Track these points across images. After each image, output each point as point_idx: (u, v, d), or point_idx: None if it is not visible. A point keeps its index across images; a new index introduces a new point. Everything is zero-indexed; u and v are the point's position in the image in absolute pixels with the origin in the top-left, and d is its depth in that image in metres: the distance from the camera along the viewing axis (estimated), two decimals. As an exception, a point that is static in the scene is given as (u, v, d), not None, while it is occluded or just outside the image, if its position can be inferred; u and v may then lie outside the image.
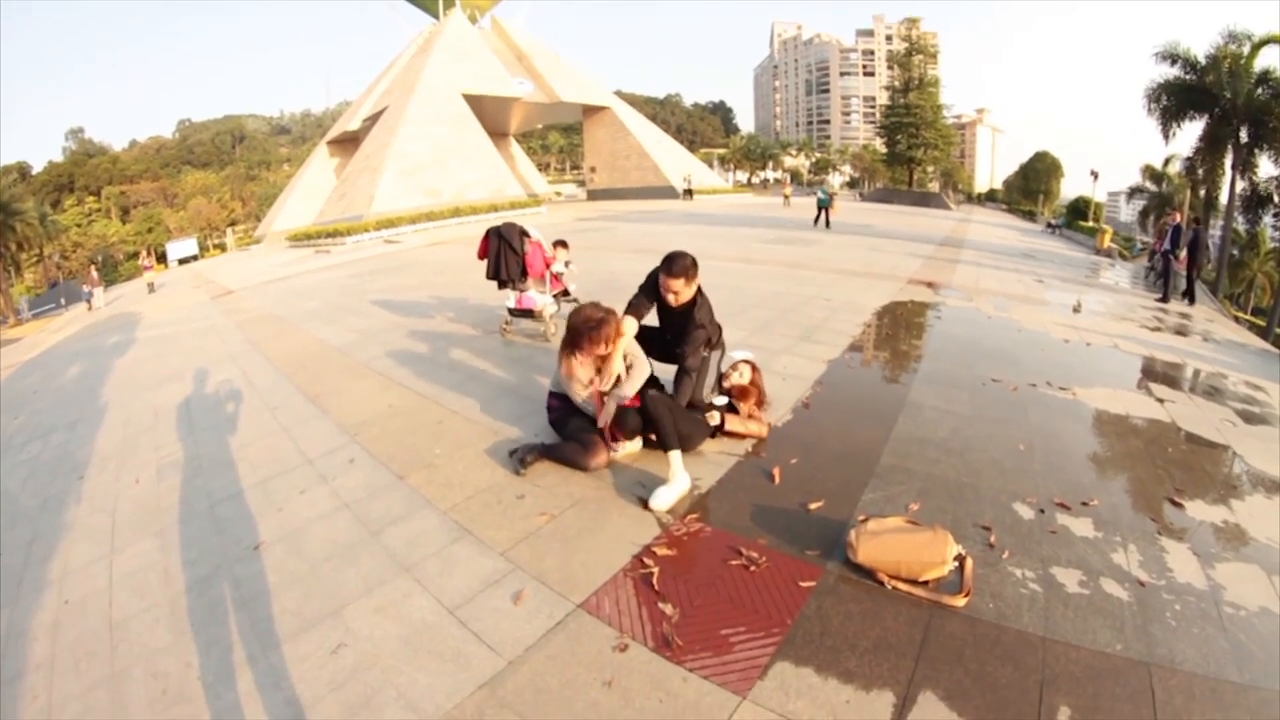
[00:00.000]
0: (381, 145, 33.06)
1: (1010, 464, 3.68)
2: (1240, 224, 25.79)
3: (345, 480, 3.76)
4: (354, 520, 3.29)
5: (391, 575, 2.78)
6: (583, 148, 54.36)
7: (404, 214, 27.79)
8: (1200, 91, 20.67)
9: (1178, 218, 12.73)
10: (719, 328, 4.17)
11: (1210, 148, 21.83)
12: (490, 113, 40.73)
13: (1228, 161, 21.69)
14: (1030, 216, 50.88)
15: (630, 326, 3.84)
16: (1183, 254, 11.64)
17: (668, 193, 39.99)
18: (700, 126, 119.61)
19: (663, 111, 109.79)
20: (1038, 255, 17.59)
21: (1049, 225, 35.90)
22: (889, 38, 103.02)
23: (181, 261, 45.20)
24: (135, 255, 42.62)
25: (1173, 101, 21.37)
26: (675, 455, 3.34)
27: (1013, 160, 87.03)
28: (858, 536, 2.65)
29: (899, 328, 7.20)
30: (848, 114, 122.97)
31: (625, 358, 3.74)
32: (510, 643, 2.32)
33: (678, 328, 4.00)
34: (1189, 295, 11.63)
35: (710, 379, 4.10)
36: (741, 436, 3.93)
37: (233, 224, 71.66)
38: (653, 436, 3.53)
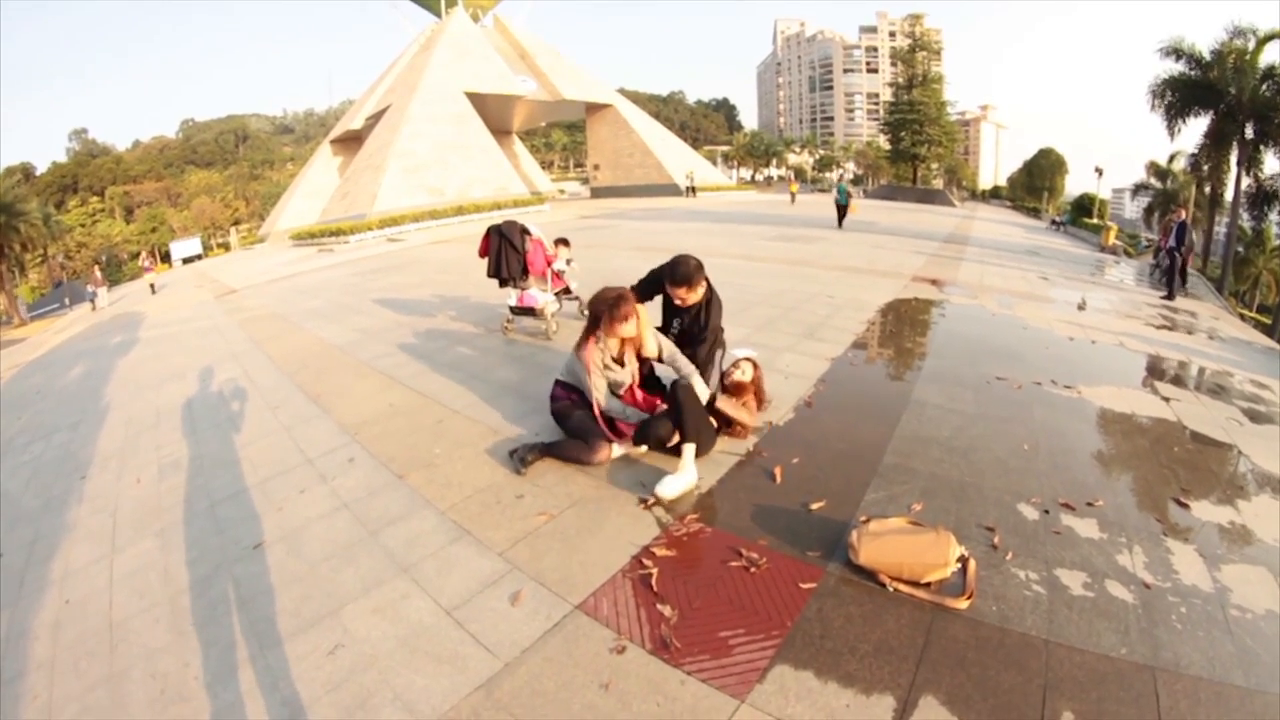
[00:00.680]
0: (384, 144, 33.07)
1: (1015, 463, 3.64)
2: (1246, 221, 25.63)
3: (345, 480, 3.75)
4: (353, 520, 3.29)
5: (390, 576, 2.77)
6: (586, 145, 54.29)
7: (407, 212, 27.80)
8: (1205, 87, 20.55)
9: (1182, 215, 12.65)
10: (720, 328, 4.15)
11: (1215, 144, 21.74)
12: (493, 111, 40.72)
13: (1233, 158, 21.61)
14: (1035, 213, 50.77)
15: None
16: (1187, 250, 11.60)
17: (671, 190, 39.94)
18: (704, 124, 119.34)
19: (666, 109, 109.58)
20: (1042, 252, 17.50)
21: (1053, 222, 35.73)
22: (892, 34, 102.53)
23: (185, 261, 45.44)
24: (139, 255, 42.70)
25: (1177, 98, 21.26)
26: (690, 448, 3.33)
27: (1017, 157, 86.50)
28: (859, 537, 2.63)
29: (903, 325, 7.17)
30: (851, 111, 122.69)
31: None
32: (507, 644, 2.30)
33: (689, 328, 3.98)
34: (1169, 287, 11.55)
35: (714, 378, 4.08)
36: (729, 422, 3.85)
37: (236, 223, 71.97)
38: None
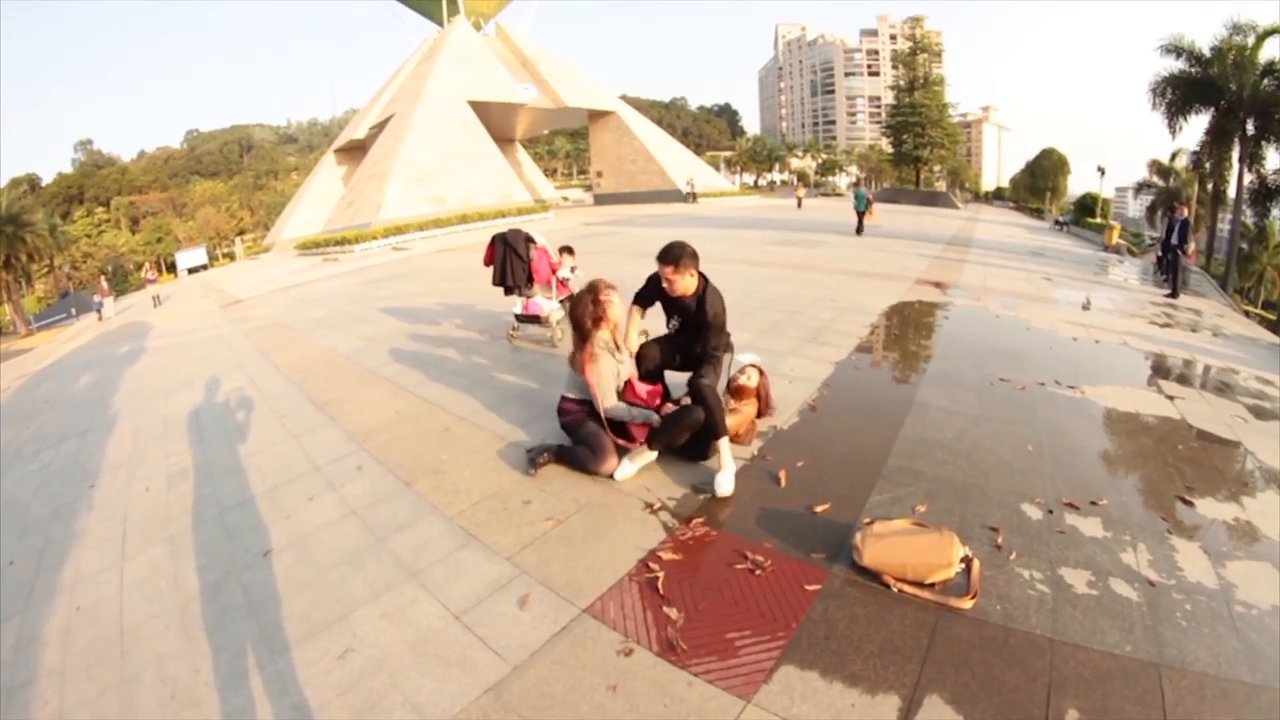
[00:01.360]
0: (388, 153, 33.24)
1: (1018, 464, 3.66)
2: (1249, 217, 25.54)
3: (353, 487, 3.79)
4: (361, 527, 3.32)
5: (398, 581, 2.80)
6: (589, 152, 54.43)
7: (411, 221, 27.90)
8: (1205, 84, 20.50)
9: (1185, 212, 12.67)
10: (726, 329, 4.14)
11: (1217, 141, 21.66)
12: (496, 119, 40.86)
13: (1235, 154, 21.51)
14: (1038, 214, 50.60)
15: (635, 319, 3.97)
16: (1191, 248, 11.58)
17: (674, 196, 39.98)
18: (706, 129, 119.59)
19: (668, 115, 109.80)
20: (1046, 253, 17.47)
21: (1057, 222, 35.65)
22: (893, 37, 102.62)
23: (191, 271, 45.73)
24: (142, 266, 42.96)
25: (1178, 95, 21.19)
26: (724, 442, 3.42)
27: (1019, 158, 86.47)
28: (863, 539, 2.64)
29: (906, 328, 7.18)
30: (853, 114, 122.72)
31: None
32: (516, 648, 2.33)
33: (689, 322, 3.94)
34: (1172, 285, 11.54)
35: (722, 383, 4.09)
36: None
37: (241, 233, 72.33)
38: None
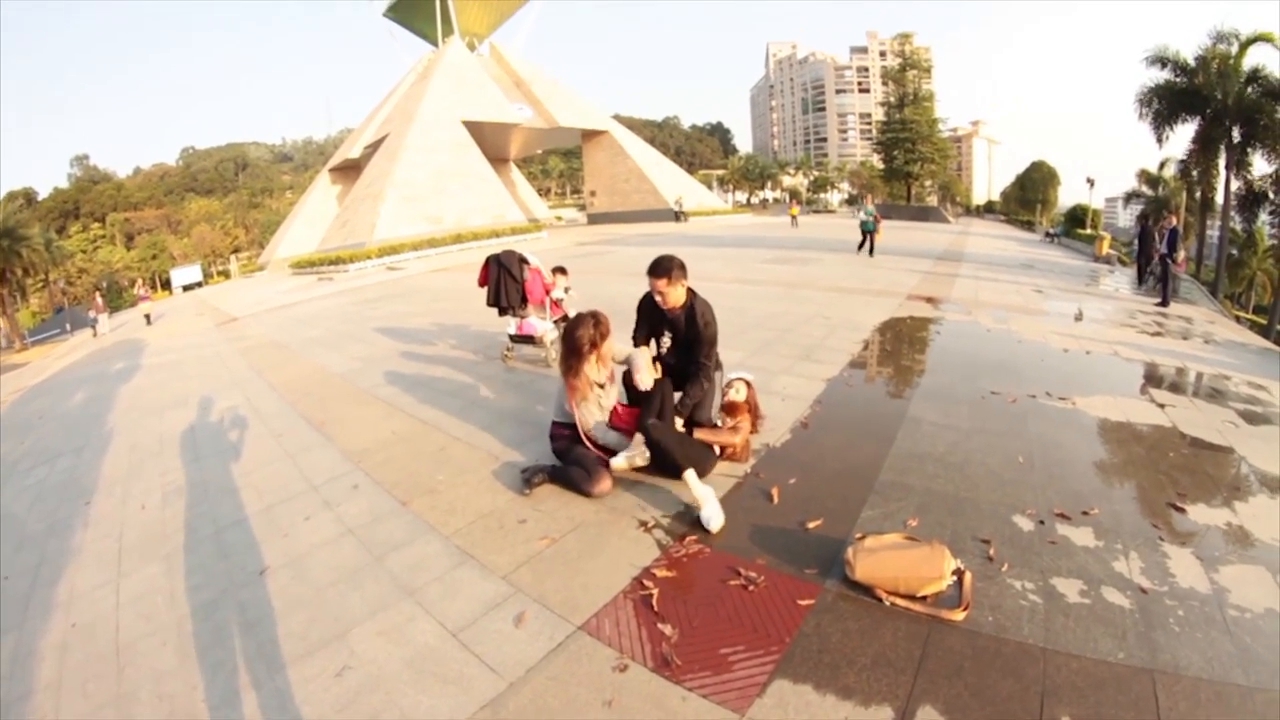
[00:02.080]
0: (383, 173, 33.39)
1: (1009, 476, 3.69)
2: (1237, 223, 25.83)
3: (349, 506, 3.80)
4: (358, 545, 3.33)
5: (395, 599, 2.81)
6: (583, 172, 54.75)
7: (406, 241, 27.99)
8: (1191, 94, 20.82)
9: (1174, 221, 12.82)
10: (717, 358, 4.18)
11: (1204, 149, 21.96)
12: (490, 139, 41.16)
13: (1221, 161, 21.78)
14: (1029, 226, 51.01)
15: (644, 354, 3.93)
16: (1181, 256, 11.72)
17: (667, 215, 40.15)
18: (699, 148, 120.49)
19: (661, 134, 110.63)
20: (1037, 265, 17.62)
21: (1047, 234, 35.92)
22: (883, 54, 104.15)
23: (186, 288, 45.64)
24: (134, 283, 42.80)
25: (1164, 105, 21.51)
26: (690, 474, 3.36)
27: (1010, 171, 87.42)
28: (855, 554, 2.67)
29: (898, 344, 7.23)
30: (844, 131, 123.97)
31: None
32: (512, 664, 2.34)
33: (681, 338, 4.01)
34: (1163, 293, 11.60)
35: (715, 400, 4.12)
36: (721, 447, 3.87)
37: (236, 251, 72.19)
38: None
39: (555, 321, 6.92)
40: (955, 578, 2.61)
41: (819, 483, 3.65)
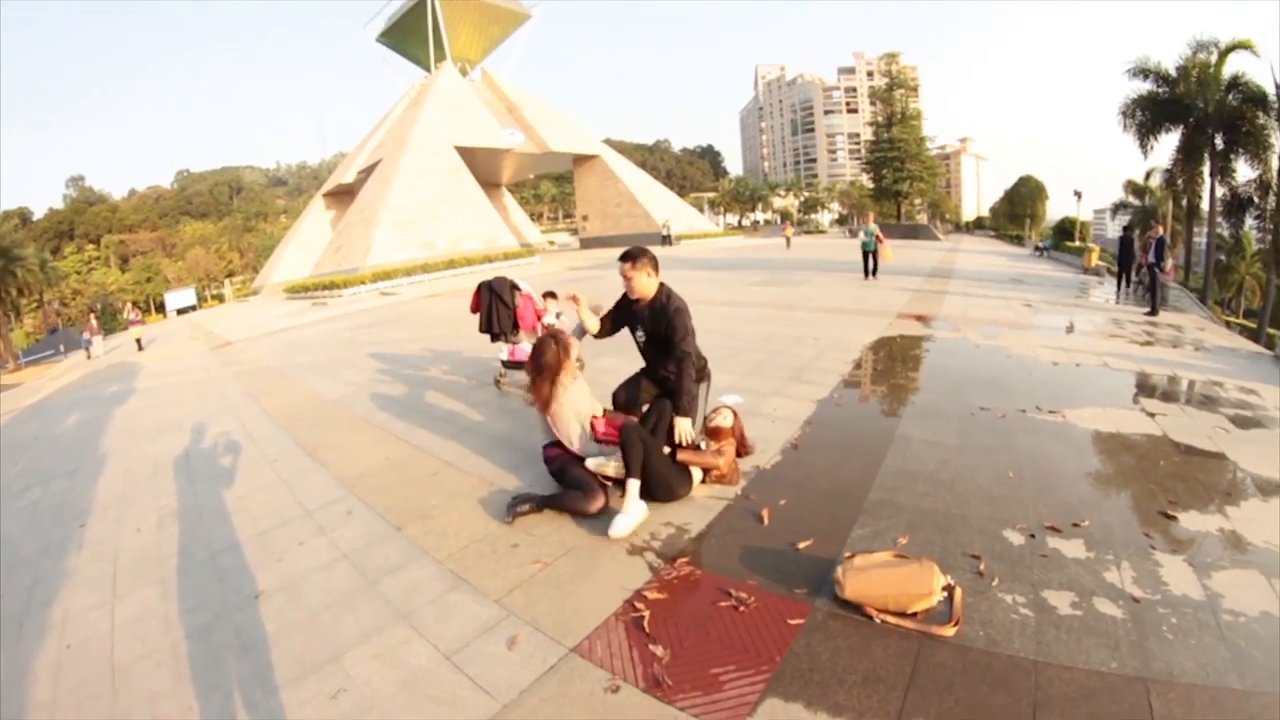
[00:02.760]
0: (376, 198, 33.63)
1: (999, 491, 3.71)
2: (1224, 229, 26.13)
3: (343, 531, 3.81)
4: (352, 570, 3.33)
5: (389, 623, 2.82)
6: (574, 196, 55.14)
7: (399, 266, 28.13)
8: (1173, 104, 21.20)
9: (1160, 231, 12.98)
10: (703, 359, 4.20)
11: (1188, 157, 22.34)
12: (482, 164, 41.49)
13: (1206, 169, 22.12)
14: (1018, 241, 51.50)
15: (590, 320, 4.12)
16: (1169, 265, 11.88)
17: (659, 239, 40.48)
18: (689, 171, 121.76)
19: (652, 158, 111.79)
20: (1026, 280, 17.76)
21: (1036, 248, 36.25)
22: (870, 74, 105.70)
23: (180, 311, 45.69)
24: (135, 303, 42.70)
25: (1148, 116, 21.90)
26: (633, 484, 3.44)
27: (998, 186, 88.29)
28: (844, 572, 2.68)
29: (887, 363, 7.27)
30: (834, 151, 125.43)
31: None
32: (505, 686, 2.35)
33: (653, 333, 4.02)
34: (1152, 303, 11.66)
35: (699, 414, 4.13)
36: (705, 470, 3.89)
37: (230, 275, 72.47)
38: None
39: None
40: (945, 594, 2.62)
41: (809, 503, 3.67)
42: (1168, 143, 22.64)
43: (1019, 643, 2.42)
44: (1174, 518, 3.35)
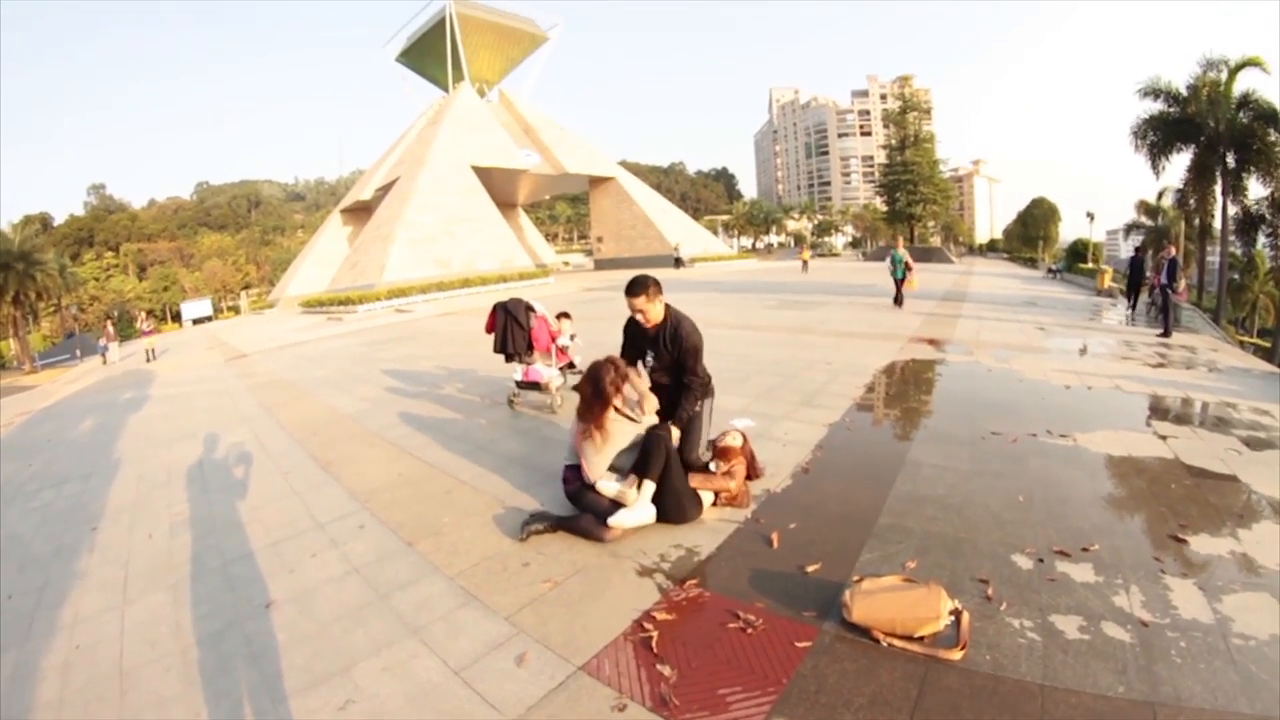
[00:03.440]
0: (393, 215, 34.01)
1: (1009, 516, 3.70)
2: (1237, 247, 25.89)
3: (356, 545, 3.85)
4: (364, 584, 3.37)
5: (399, 637, 2.85)
6: (589, 217, 55.50)
7: (415, 284, 28.38)
8: (1185, 123, 21.08)
9: (1173, 251, 12.91)
10: (708, 374, 4.23)
11: (1199, 177, 22.19)
12: (499, 184, 41.93)
13: (1218, 188, 21.96)
14: (1031, 263, 51.29)
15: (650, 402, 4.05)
16: (1182, 285, 11.82)
17: (671, 262, 40.58)
18: (704, 194, 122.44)
19: (667, 180, 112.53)
20: (1039, 302, 17.67)
21: (1050, 271, 36.12)
22: (883, 96, 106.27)
23: (196, 321, 46.30)
24: (150, 312, 43.09)
25: (1159, 136, 21.77)
26: (649, 485, 3.55)
27: (1011, 208, 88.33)
28: (852, 596, 2.69)
29: (900, 387, 7.27)
30: (847, 174, 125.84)
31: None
32: (513, 703, 2.37)
33: (664, 354, 4.10)
34: (1164, 324, 11.62)
35: (704, 431, 4.18)
36: (715, 493, 3.93)
37: (247, 287, 73.27)
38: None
39: (561, 369, 7.02)
40: (953, 618, 2.62)
41: (819, 527, 3.68)
42: (1179, 162, 22.55)
43: (1026, 667, 2.41)
44: (1184, 541, 3.33)
